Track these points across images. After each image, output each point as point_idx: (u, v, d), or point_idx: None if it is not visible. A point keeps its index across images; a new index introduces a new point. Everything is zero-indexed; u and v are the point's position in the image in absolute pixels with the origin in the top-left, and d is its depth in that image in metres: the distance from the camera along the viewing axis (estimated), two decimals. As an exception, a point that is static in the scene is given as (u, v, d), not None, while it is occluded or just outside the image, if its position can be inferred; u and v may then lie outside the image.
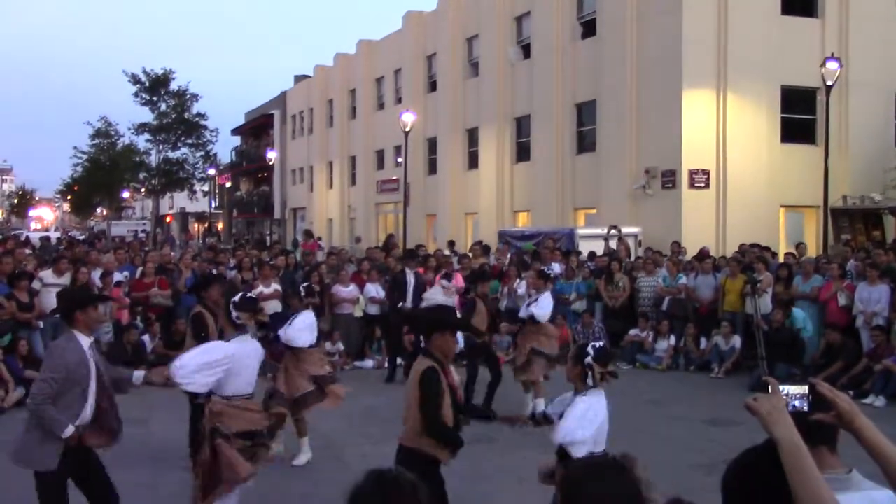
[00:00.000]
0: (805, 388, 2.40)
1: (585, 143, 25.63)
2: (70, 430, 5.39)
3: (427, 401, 5.23)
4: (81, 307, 5.61)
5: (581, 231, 20.37)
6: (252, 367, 6.28)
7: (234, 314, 6.39)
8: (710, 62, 21.15)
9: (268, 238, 48.40)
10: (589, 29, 25.26)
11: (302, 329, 8.56)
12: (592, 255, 17.49)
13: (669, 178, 21.37)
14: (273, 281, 14.20)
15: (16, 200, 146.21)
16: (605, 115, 23.93)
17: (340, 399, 8.63)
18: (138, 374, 5.95)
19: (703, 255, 16.13)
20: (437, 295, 12.60)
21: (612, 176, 23.20)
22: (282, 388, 8.41)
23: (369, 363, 14.42)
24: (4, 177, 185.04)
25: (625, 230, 19.19)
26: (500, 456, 8.76)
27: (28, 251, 18.14)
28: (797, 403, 2.36)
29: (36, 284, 12.78)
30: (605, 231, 18.89)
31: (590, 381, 5.17)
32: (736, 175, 21.13)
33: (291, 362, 8.58)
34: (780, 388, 2.36)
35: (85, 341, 5.55)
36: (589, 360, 5.16)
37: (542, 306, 10.92)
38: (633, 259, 17.48)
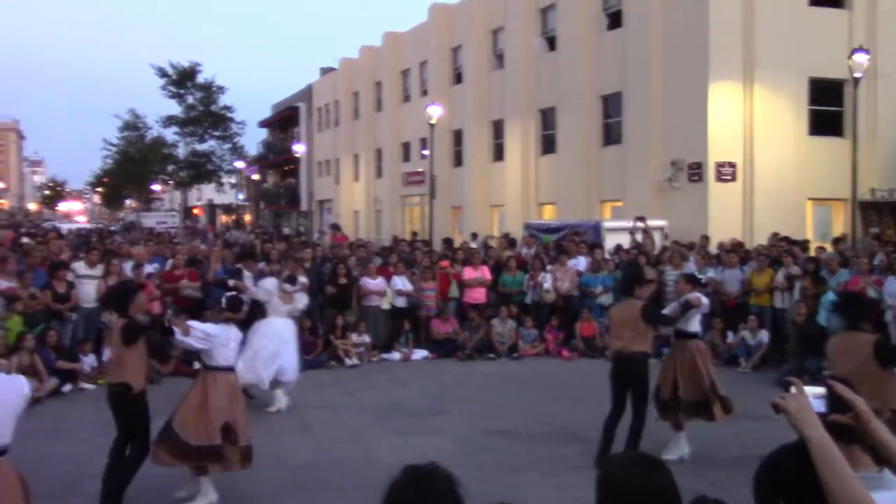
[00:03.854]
0: (823, 390, 2.45)
1: (611, 135, 25.56)
2: None
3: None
4: None
5: (607, 224, 20.34)
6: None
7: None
8: (736, 53, 21.01)
9: (286, 230, 48.69)
10: (614, 20, 25.17)
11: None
12: (619, 247, 17.48)
13: (696, 171, 21.29)
14: (299, 273, 14.34)
15: (48, 192, 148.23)
16: (631, 107, 23.85)
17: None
18: None
19: (733, 247, 16.10)
20: (267, 285, 11.24)
21: (639, 168, 23.12)
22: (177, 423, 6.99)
23: (396, 356, 14.55)
24: (36, 169, 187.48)
25: (651, 223, 19.15)
26: (526, 450, 8.84)
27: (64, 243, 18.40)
28: (815, 404, 2.40)
29: (69, 276, 12.99)
30: (632, 223, 18.86)
31: None
32: (763, 168, 21.00)
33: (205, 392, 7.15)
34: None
35: None
36: None
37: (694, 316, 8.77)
38: (657, 252, 17.45)
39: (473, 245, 19.48)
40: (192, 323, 7.30)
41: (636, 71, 23.27)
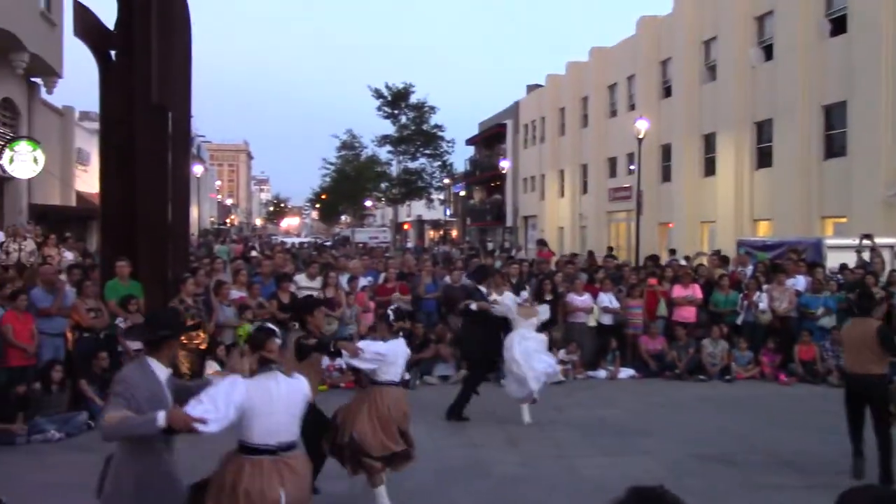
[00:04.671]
0: None
1: (834, 147, 24.08)
2: (162, 416, 4.23)
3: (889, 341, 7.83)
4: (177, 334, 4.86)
5: (829, 241, 19.10)
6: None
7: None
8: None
9: (490, 245, 49.44)
10: (838, 26, 23.74)
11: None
12: (844, 266, 16.38)
13: (932, 184, 19.62)
14: (505, 289, 14.49)
15: (271, 209, 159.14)
16: (856, 118, 22.37)
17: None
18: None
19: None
20: (507, 301, 11.17)
21: (865, 182, 21.62)
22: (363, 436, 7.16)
23: (602, 373, 14.37)
24: (262, 187, 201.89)
25: (879, 241, 17.78)
26: (742, 478, 8.48)
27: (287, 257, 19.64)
28: None
29: (292, 287, 13.84)
30: (858, 240, 17.61)
31: None
32: None
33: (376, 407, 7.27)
34: None
35: (162, 372, 4.69)
36: None
37: None
38: (887, 272, 16.18)
39: (683, 262, 18.92)
40: (363, 344, 7.46)
41: (863, 78, 21.81)
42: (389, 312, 7.85)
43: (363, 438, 7.08)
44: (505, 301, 11.17)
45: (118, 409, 4.27)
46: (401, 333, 7.83)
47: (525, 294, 11.48)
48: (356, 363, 7.32)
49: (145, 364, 4.60)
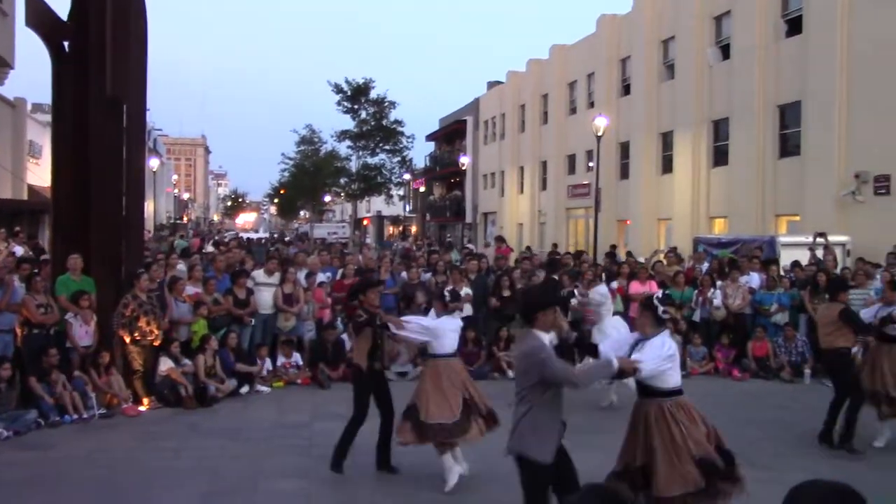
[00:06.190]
0: None
1: (788, 146, 24.46)
2: (615, 360, 5.77)
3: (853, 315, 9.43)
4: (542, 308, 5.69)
5: (783, 239, 19.41)
6: None
7: None
8: (931, 58, 19.60)
9: (449, 239, 49.51)
10: (794, 27, 24.09)
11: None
12: (796, 263, 16.64)
13: (883, 184, 19.99)
14: (464, 284, 14.51)
15: (229, 203, 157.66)
16: (810, 117, 22.73)
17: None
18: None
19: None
20: (596, 295, 12.21)
21: (818, 181, 21.99)
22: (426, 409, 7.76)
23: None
24: (220, 182, 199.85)
25: (832, 238, 18.11)
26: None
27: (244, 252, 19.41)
28: None
29: (249, 283, 13.71)
30: (812, 239, 17.91)
31: None
32: (960, 180, 19.45)
33: (436, 377, 7.88)
34: None
35: (546, 338, 5.70)
36: None
37: None
38: (839, 269, 16.47)
39: (641, 260, 19.07)
40: (409, 318, 8.37)
41: (817, 79, 22.16)
42: (446, 293, 8.60)
43: (424, 410, 7.65)
44: (598, 290, 12.29)
45: (567, 363, 5.73)
46: (455, 313, 8.84)
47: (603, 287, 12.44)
48: (403, 334, 7.92)
49: (533, 334, 5.64)
